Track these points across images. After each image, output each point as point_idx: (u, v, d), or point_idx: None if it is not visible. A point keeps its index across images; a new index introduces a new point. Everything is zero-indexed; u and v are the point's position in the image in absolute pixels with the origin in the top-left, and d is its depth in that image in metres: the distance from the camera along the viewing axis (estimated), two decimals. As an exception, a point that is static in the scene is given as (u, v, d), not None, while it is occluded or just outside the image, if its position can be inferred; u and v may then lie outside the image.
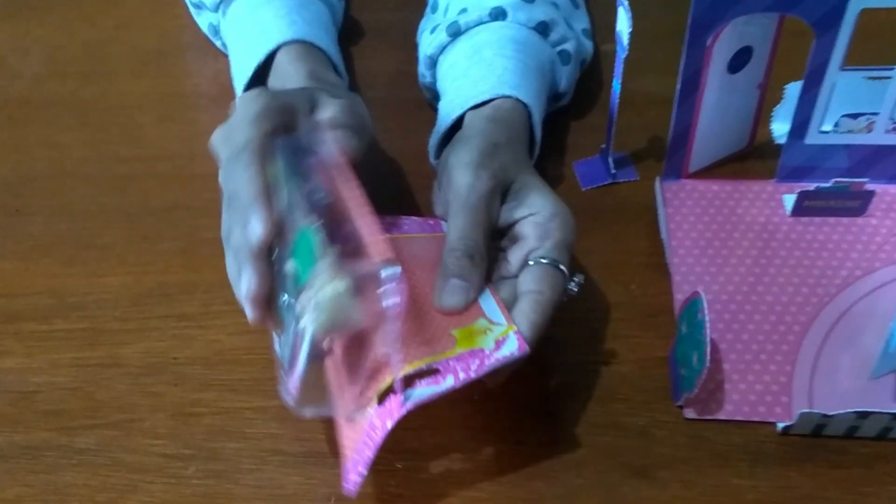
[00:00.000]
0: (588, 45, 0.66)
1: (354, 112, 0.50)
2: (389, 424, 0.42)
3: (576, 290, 0.48)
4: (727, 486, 0.47)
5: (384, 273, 0.41)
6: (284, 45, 0.59)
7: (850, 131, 0.58)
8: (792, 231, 0.58)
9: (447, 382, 0.43)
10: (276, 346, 0.45)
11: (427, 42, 0.64)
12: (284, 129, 0.46)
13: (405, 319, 0.45)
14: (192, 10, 0.71)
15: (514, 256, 0.49)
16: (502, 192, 0.50)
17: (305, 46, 0.59)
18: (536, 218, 0.49)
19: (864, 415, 0.46)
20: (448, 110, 0.58)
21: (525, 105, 0.57)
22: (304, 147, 0.47)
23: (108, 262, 0.59)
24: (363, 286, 0.41)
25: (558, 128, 0.65)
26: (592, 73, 0.69)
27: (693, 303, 0.49)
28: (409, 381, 0.43)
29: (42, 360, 0.54)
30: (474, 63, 0.59)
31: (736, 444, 0.48)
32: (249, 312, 0.44)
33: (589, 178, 0.62)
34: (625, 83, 0.56)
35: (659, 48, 0.62)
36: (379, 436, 0.42)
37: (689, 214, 0.59)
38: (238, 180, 0.44)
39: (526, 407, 0.50)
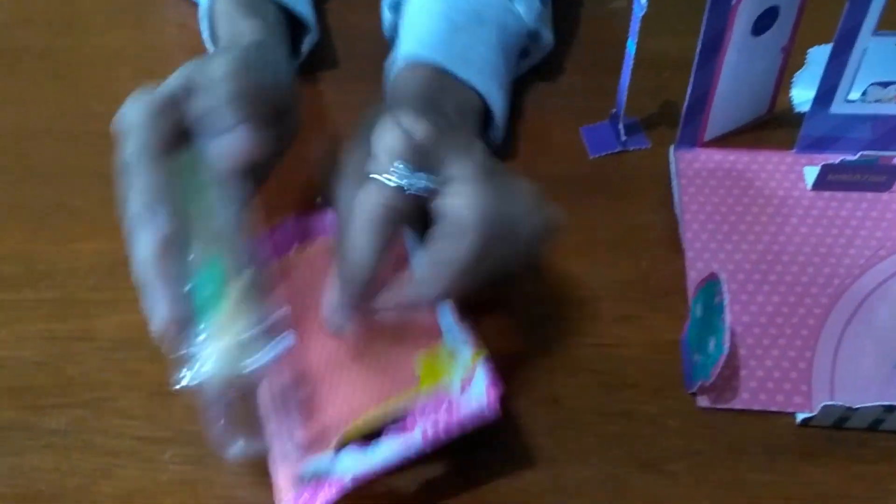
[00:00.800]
0: None
1: (237, 94, 0.42)
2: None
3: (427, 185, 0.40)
4: (742, 481, 0.44)
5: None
6: None
7: (878, 101, 0.54)
8: (813, 206, 0.54)
9: (414, 438, 0.40)
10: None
11: None
12: (175, 128, 0.42)
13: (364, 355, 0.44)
14: None
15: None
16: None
17: None
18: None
19: (891, 408, 0.43)
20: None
21: (443, 69, 0.52)
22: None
23: (81, 227, 0.55)
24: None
25: (565, 90, 0.61)
26: (604, 32, 0.64)
27: (710, 284, 0.46)
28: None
29: (7, 333, 0.50)
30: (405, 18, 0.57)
31: (752, 436, 0.45)
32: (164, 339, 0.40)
33: (597, 145, 0.58)
34: (640, 43, 0.52)
35: (678, 6, 0.58)
36: (333, 492, 0.40)
37: (704, 186, 0.55)
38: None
39: (528, 392, 0.47)
